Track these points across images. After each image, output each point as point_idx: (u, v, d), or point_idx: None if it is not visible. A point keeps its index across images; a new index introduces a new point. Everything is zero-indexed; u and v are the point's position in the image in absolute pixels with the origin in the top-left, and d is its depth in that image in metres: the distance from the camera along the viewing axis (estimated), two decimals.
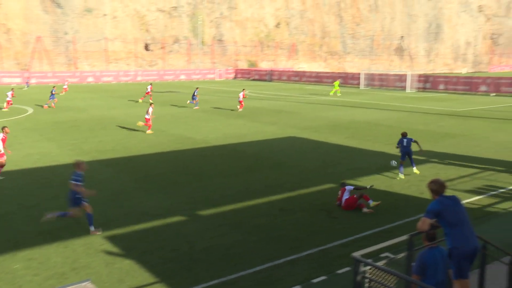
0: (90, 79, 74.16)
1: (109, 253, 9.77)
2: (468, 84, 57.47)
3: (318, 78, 77.29)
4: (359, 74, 70.86)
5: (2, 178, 15.32)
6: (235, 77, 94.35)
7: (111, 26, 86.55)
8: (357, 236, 10.63)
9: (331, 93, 53.36)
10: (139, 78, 79.49)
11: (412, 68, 74.92)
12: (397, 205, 12.86)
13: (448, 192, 13.73)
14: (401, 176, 15.52)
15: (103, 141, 22.39)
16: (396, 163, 16.07)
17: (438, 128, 27.04)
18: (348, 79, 71.70)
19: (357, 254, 5.99)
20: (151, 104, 25.20)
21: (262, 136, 23.76)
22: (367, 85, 68.51)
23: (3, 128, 15.43)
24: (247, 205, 12.85)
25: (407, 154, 15.76)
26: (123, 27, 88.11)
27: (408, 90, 61.34)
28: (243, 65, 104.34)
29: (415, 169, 16.17)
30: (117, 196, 13.58)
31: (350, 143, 21.97)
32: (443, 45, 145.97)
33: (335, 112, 35.03)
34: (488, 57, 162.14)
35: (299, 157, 18.89)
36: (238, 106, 35.19)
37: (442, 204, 6.46)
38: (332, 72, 78.97)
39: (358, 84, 68.98)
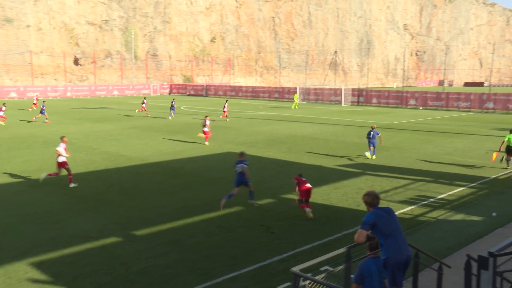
0: (12, 94, 70.33)
1: (35, 281, 9.18)
2: (399, 98, 60.41)
3: (255, 93, 78.16)
4: (295, 88, 72.37)
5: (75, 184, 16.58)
6: (170, 92, 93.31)
7: (36, 39, 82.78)
8: (297, 250, 10.72)
9: (293, 107, 56.55)
10: (68, 94, 76.47)
11: (346, 83, 77.83)
12: (335, 218, 13.15)
13: (383, 204, 14.29)
14: (368, 155, 22.26)
15: (29, 160, 21.23)
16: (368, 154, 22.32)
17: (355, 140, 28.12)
18: (285, 94, 73.09)
19: (296, 268, 6.01)
20: (206, 116, 27.30)
21: (199, 152, 23.58)
22: (303, 99, 70.23)
23: (61, 137, 17.04)
24: (184, 223, 12.62)
25: (372, 143, 22.21)
26: (50, 40, 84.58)
27: (343, 104, 63.42)
28: (179, 80, 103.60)
29: (374, 156, 22.22)
30: (44, 219, 12.86)
31: (287, 157, 22.30)
32: (374, 60, 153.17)
33: (272, 127, 35.48)
34: (415, 72, 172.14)
35: None
36: (221, 116, 40.38)
37: (376, 216, 6.68)
38: (269, 87, 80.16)
39: (293, 98, 70.19)
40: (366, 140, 25.14)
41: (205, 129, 26.55)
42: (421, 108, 57.57)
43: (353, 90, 66.67)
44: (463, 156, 23.14)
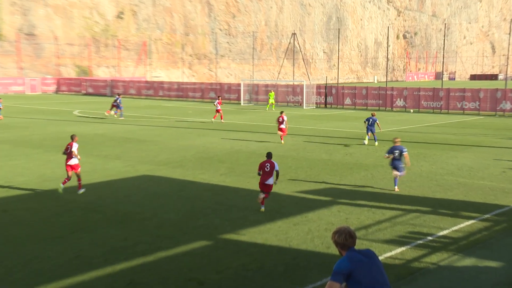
0: None
1: None
2: (382, 98, 62.27)
3: (182, 92, 78.51)
4: (239, 85, 73.09)
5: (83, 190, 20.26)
6: (57, 91, 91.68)
7: None
8: None
9: (268, 108, 61.47)
10: None
11: (309, 77, 79.10)
12: (295, 266, 13.19)
13: (361, 245, 14.52)
14: (367, 142, 32.15)
15: None
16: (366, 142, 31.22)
17: (345, 158, 28.70)
18: (223, 92, 73.63)
19: None
20: (282, 112, 33.85)
21: (100, 177, 23.19)
22: (250, 100, 70.95)
23: (73, 136, 20.86)
24: (79, 281, 12.26)
25: (370, 130, 31.65)
26: None
27: (305, 106, 64.57)
28: (70, 72, 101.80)
29: (376, 143, 31.95)
30: None
31: (228, 182, 22.34)
32: (347, 45, 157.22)
33: (207, 139, 35.61)
34: (403, 61, 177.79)
35: (155, 205, 18.67)
36: (213, 117, 45.89)
37: (352, 262, 6.68)
38: (201, 83, 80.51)
39: (238, 98, 71.07)
40: (342, 154, 25.96)
41: (282, 126, 33.31)
42: (411, 111, 59.61)
43: (319, 86, 68.17)
44: (471, 177, 24.01)
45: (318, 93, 66.40)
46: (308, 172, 24.66)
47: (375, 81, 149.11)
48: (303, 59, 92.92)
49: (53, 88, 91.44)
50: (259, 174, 17.89)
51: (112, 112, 49.83)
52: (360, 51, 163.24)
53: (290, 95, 68.77)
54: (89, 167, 25.47)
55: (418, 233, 15.69)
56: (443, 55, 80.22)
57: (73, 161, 20.25)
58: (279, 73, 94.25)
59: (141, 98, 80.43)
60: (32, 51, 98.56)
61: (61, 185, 20.38)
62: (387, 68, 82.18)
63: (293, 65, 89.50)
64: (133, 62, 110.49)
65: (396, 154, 20.99)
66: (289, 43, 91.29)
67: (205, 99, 75.07)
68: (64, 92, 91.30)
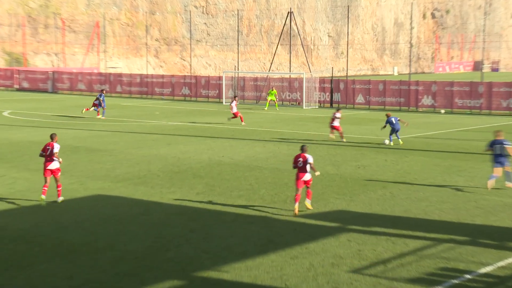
0: None
1: None
2: (404, 95, 62.46)
3: (146, 87, 78.48)
4: (220, 78, 73.18)
5: None
6: None
7: None
8: None
9: (267, 107, 62.68)
10: None
11: (310, 68, 79.05)
12: None
13: (379, 285, 14.52)
14: (388, 142, 36.87)
15: None
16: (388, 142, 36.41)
17: (357, 171, 28.76)
18: (200, 88, 73.77)
19: None
20: (338, 110, 40.49)
21: (39, 197, 23.03)
22: (234, 97, 70.79)
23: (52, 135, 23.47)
24: None
25: (396, 131, 36.59)
26: None
27: (304, 105, 64.71)
28: None
29: (401, 141, 37.03)
30: None
31: (206, 203, 22.37)
32: (359, 27, 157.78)
33: (179, 148, 35.76)
34: (431, 48, 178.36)
35: (112, 233, 18.60)
36: (232, 117, 48.11)
37: None
38: (172, 76, 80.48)
39: (219, 95, 71.09)
40: (353, 166, 26.30)
41: (335, 123, 38.57)
42: (442, 111, 59.77)
43: (323, 80, 68.34)
44: None
45: (322, 89, 66.54)
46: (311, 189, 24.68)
47: (395, 73, 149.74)
48: (302, 45, 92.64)
49: None
50: (294, 167, 21.58)
51: (92, 109, 52.37)
52: (375, 35, 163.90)
53: (286, 92, 68.90)
54: (23, 185, 25.31)
55: (453, 270, 15.69)
56: (484, 39, 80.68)
57: (54, 165, 22.30)
58: (271, 63, 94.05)
59: (93, 95, 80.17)
60: None
61: (43, 196, 22.00)
62: (410, 56, 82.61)
63: (290, 52, 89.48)
64: (82, 49, 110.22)
65: (497, 148, 24.15)
66: (284, 24, 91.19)
67: (177, 97, 75.03)
68: None
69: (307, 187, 21.46)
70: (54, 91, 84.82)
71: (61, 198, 22.49)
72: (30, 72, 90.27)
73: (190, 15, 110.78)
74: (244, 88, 71.54)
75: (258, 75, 77.82)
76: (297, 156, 21.28)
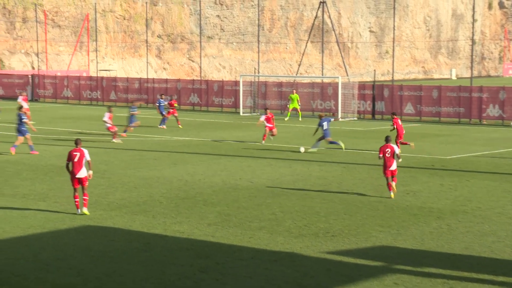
0: None
1: None
2: (464, 103, 62.15)
3: (146, 93, 78.22)
4: (236, 83, 73.17)
5: None
6: None
7: None
8: None
9: (288, 117, 63.01)
10: None
11: (346, 70, 78.78)
12: None
13: None
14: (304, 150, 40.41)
15: None
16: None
17: (406, 198, 28.68)
18: (211, 94, 73.74)
19: None
20: (394, 115, 42.57)
21: (16, 229, 23.25)
22: (254, 106, 70.77)
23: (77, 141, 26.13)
24: None
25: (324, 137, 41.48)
26: None
27: (340, 116, 64.36)
28: None
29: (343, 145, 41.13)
30: None
31: (218, 236, 22.31)
32: (408, 20, 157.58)
33: (185, 169, 35.78)
34: (499, 46, 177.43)
35: (104, 273, 18.57)
36: (266, 133, 46.72)
37: None
38: (177, 80, 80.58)
39: (235, 104, 70.99)
40: (401, 192, 26.39)
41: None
42: None
43: (363, 86, 68.12)
44: None
45: (362, 96, 66.30)
46: (346, 220, 24.61)
47: (453, 77, 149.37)
48: (337, 42, 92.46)
49: None
50: (379, 158, 27.82)
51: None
52: (428, 30, 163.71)
53: (317, 100, 68.56)
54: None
55: None
56: None
57: (83, 173, 24.96)
58: (299, 65, 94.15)
59: (82, 104, 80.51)
60: None
61: (84, 209, 24.95)
62: (472, 56, 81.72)
63: (322, 52, 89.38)
64: (69, 47, 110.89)
65: None
66: (316, 17, 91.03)
67: (184, 106, 75.06)
68: None
69: (393, 176, 27.97)
70: (34, 98, 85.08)
71: (85, 210, 24.91)
72: (5, 76, 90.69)
73: (200, 6, 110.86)
74: (265, 95, 71.15)
75: (283, 79, 77.81)
76: (385, 147, 27.84)
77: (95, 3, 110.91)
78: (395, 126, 40.00)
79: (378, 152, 28.55)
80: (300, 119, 62.24)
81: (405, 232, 23.13)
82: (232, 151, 42.48)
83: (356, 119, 64.87)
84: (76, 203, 24.92)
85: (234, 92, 71.69)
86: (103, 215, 25.29)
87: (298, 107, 62.67)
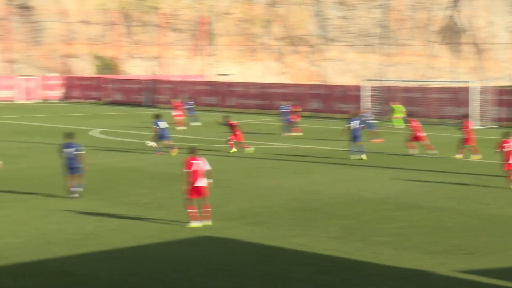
0: None
1: None
2: None
3: (265, 99, 78.47)
4: (359, 88, 72.70)
5: None
6: (66, 97, 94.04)
7: None
8: None
9: (394, 123, 63.98)
10: None
11: (483, 73, 77.52)
12: None
13: None
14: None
15: None
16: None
17: None
18: (334, 100, 73.44)
19: None
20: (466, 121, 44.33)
21: (132, 239, 23.64)
22: (382, 112, 70.10)
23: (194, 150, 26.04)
24: None
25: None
26: None
27: (477, 124, 62.75)
28: (86, 67, 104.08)
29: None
30: None
31: (343, 250, 22.14)
32: None
33: (306, 179, 35.77)
34: None
35: (221, 286, 18.61)
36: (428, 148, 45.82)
37: None
38: (297, 85, 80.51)
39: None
40: None
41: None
42: None
43: (500, 91, 66.67)
44: None
45: (499, 103, 64.97)
46: (481, 237, 24.05)
47: None
48: (473, 43, 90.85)
49: (59, 93, 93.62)
50: (499, 151, 31.66)
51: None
52: None
53: (448, 106, 67.54)
54: (115, 223, 25.77)
55: None
56: None
57: (203, 181, 24.98)
58: (428, 69, 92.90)
59: (198, 110, 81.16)
60: (27, 33, 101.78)
61: (206, 221, 25.21)
62: None
63: (455, 54, 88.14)
64: (185, 51, 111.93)
65: None
66: (448, 17, 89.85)
67: (305, 112, 75.07)
68: (77, 100, 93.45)
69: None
70: (151, 104, 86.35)
71: (209, 222, 25.05)
72: (122, 81, 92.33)
73: (322, 7, 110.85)
74: (391, 100, 70.50)
75: (410, 84, 76.96)
76: (504, 141, 31.53)
77: (213, 6, 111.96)
78: None
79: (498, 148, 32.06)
80: (398, 125, 62.16)
81: None
82: (356, 160, 42.23)
83: (495, 126, 63.29)
84: (191, 214, 24.94)
85: (358, 97, 71.26)
86: (221, 225, 25.41)
87: (400, 115, 62.35)
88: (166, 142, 44.77)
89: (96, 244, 22.92)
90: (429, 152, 44.73)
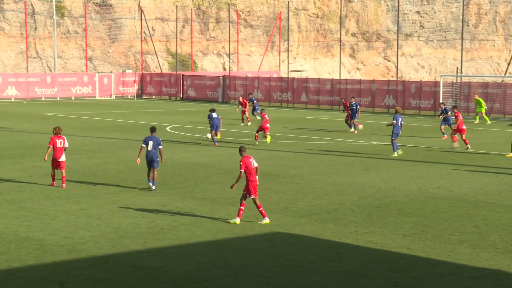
0: None
1: None
2: None
3: (339, 95, 77.93)
4: (435, 84, 72.03)
5: None
6: (141, 94, 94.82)
7: None
8: None
9: (477, 120, 63.25)
10: None
11: None
12: None
13: None
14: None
15: None
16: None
17: None
18: (408, 95, 72.91)
19: None
20: None
21: (204, 234, 23.74)
22: (456, 107, 69.27)
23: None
24: None
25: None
26: None
27: None
28: (162, 64, 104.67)
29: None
30: None
31: (415, 249, 21.99)
32: None
33: (378, 175, 35.73)
34: None
35: (293, 282, 18.61)
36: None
37: None
38: (371, 81, 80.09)
39: (434, 107, 70.02)
40: None
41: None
42: None
43: None
44: None
45: None
46: None
47: None
48: None
49: (134, 89, 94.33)
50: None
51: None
52: None
53: None
54: (186, 218, 25.96)
55: None
56: None
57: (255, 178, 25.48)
58: (509, 64, 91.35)
59: (272, 106, 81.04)
60: (104, 31, 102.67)
61: (265, 219, 25.29)
62: None
63: None
64: (260, 47, 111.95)
65: None
66: None
67: (378, 108, 74.53)
68: (152, 96, 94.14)
69: None
70: (225, 100, 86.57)
71: (266, 220, 25.15)
72: (198, 77, 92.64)
73: (399, 1, 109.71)
74: (469, 97, 69.54)
75: (489, 79, 75.89)
76: None
77: (288, 2, 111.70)
78: None
79: None
80: (488, 121, 61.64)
81: None
82: (430, 157, 41.95)
83: None
84: (240, 210, 25.22)
85: (434, 93, 70.54)
86: (292, 222, 25.49)
87: (483, 110, 61.58)
88: (217, 132, 47.30)
89: (168, 239, 23.15)
90: (466, 147, 44.92)
